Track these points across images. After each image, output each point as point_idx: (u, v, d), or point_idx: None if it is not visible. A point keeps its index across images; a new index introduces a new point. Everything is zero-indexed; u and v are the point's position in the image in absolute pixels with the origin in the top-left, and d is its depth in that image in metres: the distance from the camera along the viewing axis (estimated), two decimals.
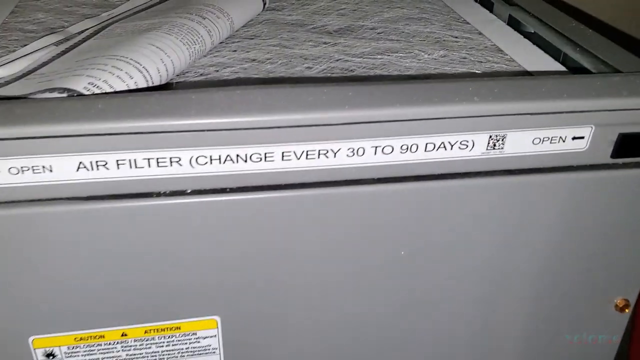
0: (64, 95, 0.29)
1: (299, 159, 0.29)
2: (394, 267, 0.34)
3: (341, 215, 0.31)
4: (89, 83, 0.30)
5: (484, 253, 0.34)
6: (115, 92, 0.30)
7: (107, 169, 0.27)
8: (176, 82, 0.36)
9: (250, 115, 0.27)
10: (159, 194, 0.29)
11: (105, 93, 0.30)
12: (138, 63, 0.33)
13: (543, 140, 0.31)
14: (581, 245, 0.35)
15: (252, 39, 0.44)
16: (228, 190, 0.29)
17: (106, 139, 0.26)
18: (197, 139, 0.27)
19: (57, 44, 0.39)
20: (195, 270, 0.31)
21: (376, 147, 0.29)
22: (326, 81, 0.35)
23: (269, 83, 0.35)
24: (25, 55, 0.37)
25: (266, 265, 0.32)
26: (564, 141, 0.31)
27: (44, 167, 0.27)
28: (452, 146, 0.30)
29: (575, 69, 0.38)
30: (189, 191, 0.29)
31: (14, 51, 0.38)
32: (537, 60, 0.40)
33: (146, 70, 0.33)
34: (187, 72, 0.38)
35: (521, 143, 0.31)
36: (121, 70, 0.32)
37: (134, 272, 0.30)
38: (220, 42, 0.42)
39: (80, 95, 0.29)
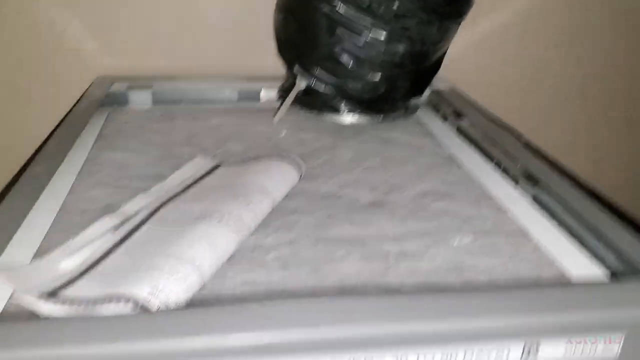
0: (129, 304, 0.32)
1: None
2: None
3: None
4: (150, 290, 0.33)
5: None
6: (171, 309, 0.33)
7: None
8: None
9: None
10: None
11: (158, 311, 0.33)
12: (192, 264, 0.36)
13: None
14: None
15: (292, 214, 0.47)
16: None
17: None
18: None
19: (114, 229, 0.42)
20: None
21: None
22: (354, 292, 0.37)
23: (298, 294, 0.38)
24: (85, 244, 0.40)
25: None
26: (595, 351, 0.33)
27: None
28: None
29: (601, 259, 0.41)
30: None
31: (74, 237, 0.41)
32: (562, 250, 0.42)
33: (199, 269, 0.36)
34: (233, 255, 0.41)
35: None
36: (179, 272, 0.35)
37: None
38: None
39: (143, 305, 0.32)
